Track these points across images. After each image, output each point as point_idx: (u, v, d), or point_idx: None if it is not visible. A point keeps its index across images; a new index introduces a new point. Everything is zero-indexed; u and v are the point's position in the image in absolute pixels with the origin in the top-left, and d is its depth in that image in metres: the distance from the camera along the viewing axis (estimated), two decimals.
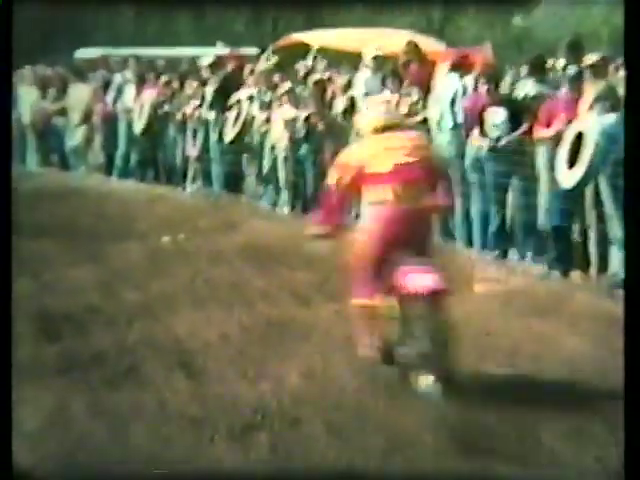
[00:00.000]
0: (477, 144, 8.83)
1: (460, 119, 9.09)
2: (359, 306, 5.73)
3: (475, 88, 9.02)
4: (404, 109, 9.66)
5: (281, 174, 11.27)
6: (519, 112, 8.56)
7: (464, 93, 9.16)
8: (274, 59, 12.70)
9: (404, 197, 5.45)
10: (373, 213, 5.60)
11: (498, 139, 8.59)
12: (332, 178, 5.73)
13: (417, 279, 5.36)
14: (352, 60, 11.87)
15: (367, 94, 10.18)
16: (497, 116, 8.62)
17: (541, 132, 8.24)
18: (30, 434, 4.72)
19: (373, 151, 5.59)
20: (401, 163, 5.48)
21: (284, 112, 11.09)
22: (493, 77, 8.89)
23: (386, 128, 5.68)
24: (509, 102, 8.71)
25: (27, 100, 15.68)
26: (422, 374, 5.29)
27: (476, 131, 8.85)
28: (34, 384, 5.35)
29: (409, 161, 5.51)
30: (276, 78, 11.85)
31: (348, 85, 10.78)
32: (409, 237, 5.50)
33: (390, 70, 10.14)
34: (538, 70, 8.93)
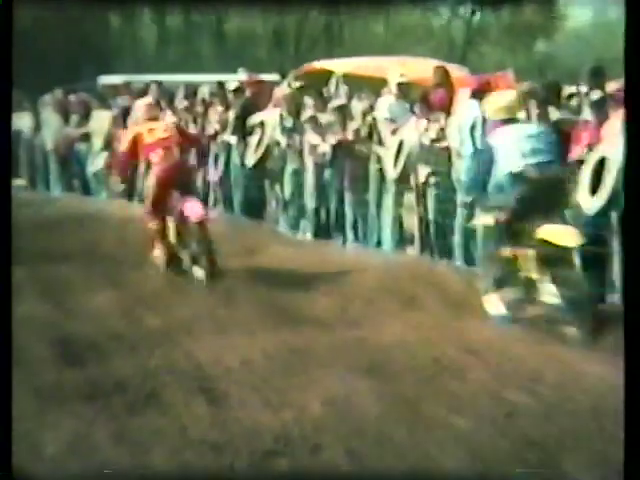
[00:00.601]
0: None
1: (480, 145, 9.06)
2: (152, 228, 9.14)
3: None
4: (432, 134, 9.69)
5: (305, 200, 11.29)
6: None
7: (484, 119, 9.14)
8: (296, 85, 12.75)
9: (166, 157, 8.99)
10: (153, 168, 9.07)
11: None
12: (122, 147, 9.59)
13: (190, 208, 8.83)
14: (374, 86, 11.90)
15: (392, 120, 10.20)
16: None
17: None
18: (52, 459, 4.72)
19: (143, 131, 9.20)
20: (161, 137, 9.09)
21: (309, 138, 11.12)
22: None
23: (151, 119, 9.41)
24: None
25: (50, 126, 15.82)
26: (195, 268, 8.89)
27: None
28: (57, 409, 5.36)
29: (165, 136, 9.11)
30: (299, 104, 11.87)
31: (369, 110, 10.79)
32: (176, 181, 8.99)
33: (418, 96, 10.14)
34: (554, 96, 8.89)
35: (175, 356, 6.44)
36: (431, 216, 9.81)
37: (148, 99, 10.49)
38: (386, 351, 6.50)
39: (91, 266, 9.45)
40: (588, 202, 7.64)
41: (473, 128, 9.11)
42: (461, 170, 9.25)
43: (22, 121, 16.61)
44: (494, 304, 7.56)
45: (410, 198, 10.07)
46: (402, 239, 10.15)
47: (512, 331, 7.05)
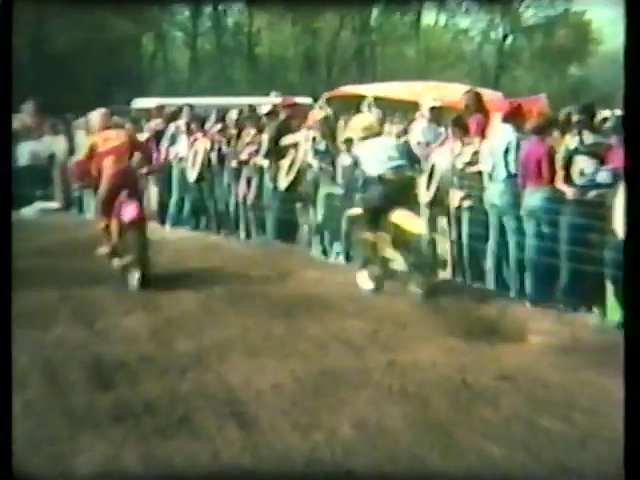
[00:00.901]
0: (531, 194, 8.75)
1: (513, 169, 9.03)
2: (100, 227, 9.89)
3: (539, 138, 8.88)
4: (465, 158, 9.67)
5: (337, 223, 11.27)
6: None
7: (518, 143, 9.10)
8: (328, 108, 12.77)
9: (116, 162, 9.66)
10: (105, 172, 9.66)
11: (583, 188, 8.42)
12: (80, 155, 10.32)
13: (126, 209, 9.51)
14: (405, 110, 11.90)
15: (427, 143, 10.19)
16: (586, 165, 8.46)
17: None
18: None
19: (99, 140, 9.83)
20: (114, 145, 9.73)
21: (343, 160, 11.11)
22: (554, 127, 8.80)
23: (105, 128, 10.06)
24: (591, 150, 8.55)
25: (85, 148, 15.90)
26: (132, 271, 9.60)
27: (530, 181, 8.77)
28: (88, 432, 5.36)
29: (117, 144, 9.75)
30: (331, 127, 11.88)
31: (402, 134, 10.79)
32: (123, 184, 9.65)
33: (451, 120, 10.12)
34: (588, 119, 8.84)
35: (206, 379, 6.43)
36: (464, 240, 9.76)
37: (101, 110, 10.66)
38: (418, 375, 6.46)
39: (123, 288, 9.48)
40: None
41: (507, 152, 9.09)
42: (494, 194, 9.23)
43: (57, 145, 16.75)
44: (363, 280, 9.37)
45: (442, 222, 10.04)
46: (435, 263, 10.10)
47: (546, 357, 6.99)
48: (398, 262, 9.04)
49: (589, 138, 8.64)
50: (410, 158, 9.37)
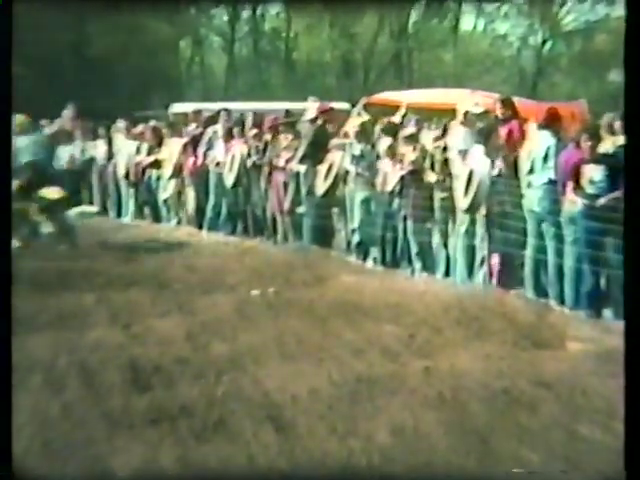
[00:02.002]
0: (571, 199, 8.70)
1: (553, 175, 8.98)
2: None
3: (577, 144, 8.83)
4: (503, 164, 9.63)
5: (374, 228, 11.26)
6: (618, 169, 8.40)
7: (557, 149, 9.05)
8: (365, 114, 12.75)
9: None
10: None
11: (596, 196, 8.43)
12: None
13: None
14: (442, 116, 11.85)
15: (462, 150, 10.14)
16: (595, 173, 8.49)
17: None
18: None
19: None
20: None
21: (384, 166, 11.10)
22: (594, 134, 8.73)
23: None
24: (607, 159, 8.52)
25: (123, 153, 16.03)
26: None
27: (569, 187, 8.72)
28: (125, 434, 5.37)
29: None
30: (369, 133, 11.85)
31: (440, 140, 10.75)
32: None
33: (489, 126, 10.07)
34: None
35: (242, 383, 6.42)
36: (501, 246, 9.70)
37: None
38: (455, 381, 6.42)
39: (159, 291, 9.51)
40: None
41: (546, 158, 9.03)
42: (533, 200, 9.18)
43: (96, 149, 16.87)
44: None
45: (480, 228, 9.98)
46: (473, 269, 10.05)
47: (585, 364, 6.93)
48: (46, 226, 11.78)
49: (603, 146, 8.61)
50: None
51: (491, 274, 9.85)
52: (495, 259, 9.74)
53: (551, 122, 9.38)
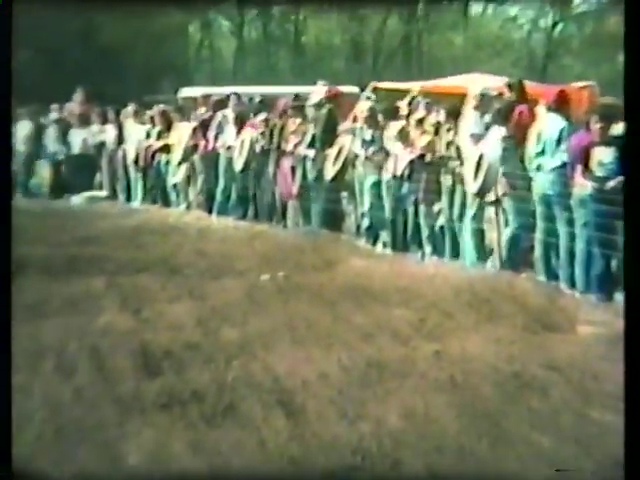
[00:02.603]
0: (580, 182, 8.67)
1: (566, 158, 8.94)
2: None
3: (587, 127, 8.79)
4: (513, 148, 9.60)
5: (384, 212, 11.25)
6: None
7: (568, 132, 9.01)
8: (374, 98, 12.72)
9: None
10: None
11: (605, 179, 8.40)
12: None
13: None
14: (452, 101, 11.80)
15: (474, 134, 10.10)
16: (605, 155, 8.45)
17: None
18: (133, 468, 4.74)
19: None
20: None
21: (395, 150, 11.06)
22: (606, 116, 8.67)
23: None
24: (617, 141, 8.46)
25: (132, 138, 16.04)
26: None
27: (579, 170, 8.69)
28: (136, 419, 5.39)
29: None
30: (378, 117, 11.81)
31: (450, 124, 10.71)
32: None
33: (497, 110, 10.03)
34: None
35: (252, 368, 6.42)
36: (511, 230, 9.68)
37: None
38: (465, 365, 6.41)
39: (169, 276, 9.51)
40: None
41: (559, 141, 9.00)
42: (544, 183, 9.14)
43: (106, 133, 16.89)
44: None
45: (490, 211, 9.96)
46: (482, 253, 10.03)
47: (596, 348, 6.92)
48: None
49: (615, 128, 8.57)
50: None
51: (501, 257, 9.83)
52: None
53: (561, 105, 9.34)
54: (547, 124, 9.27)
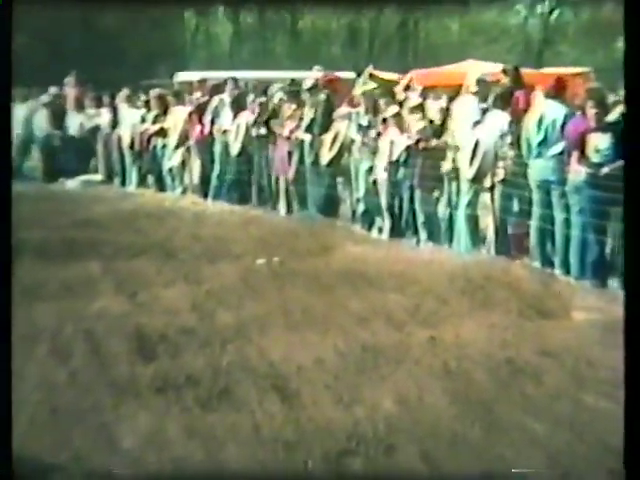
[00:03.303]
0: (575, 168, 8.67)
1: (563, 145, 8.94)
2: None
3: (583, 113, 8.79)
4: (509, 134, 9.60)
5: (379, 198, 11.24)
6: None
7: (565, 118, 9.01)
8: (371, 83, 12.69)
9: None
10: None
11: (601, 165, 8.41)
12: None
13: None
14: (448, 89, 11.79)
15: (472, 120, 10.08)
16: (601, 141, 8.45)
17: None
18: (128, 451, 4.76)
19: None
20: None
21: (390, 135, 11.05)
22: (600, 102, 8.67)
23: None
24: (613, 127, 8.45)
25: (128, 122, 16.01)
26: None
27: (575, 156, 8.69)
28: (131, 403, 5.40)
29: None
30: (374, 102, 11.79)
31: (445, 110, 10.71)
32: None
33: (496, 95, 10.01)
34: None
35: (247, 352, 6.44)
36: (506, 216, 9.69)
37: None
38: (459, 351, 6.43)
39: (165, 260, 9.51)
40: None
41: (562, 127, 8.99)
42: (542, 170, 9.14)
43: (101, 117, 16.86)
44: None
45: (485, 198, 9.97)
46: (477, 239, 10.04)
47: (590, 334, 6.94)
48: None
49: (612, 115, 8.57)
50: None
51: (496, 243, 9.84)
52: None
53: (559, 91, 9.33)
54: (548, 111, 9.25)
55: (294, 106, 12.89)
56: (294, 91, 13.25)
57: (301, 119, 12.63)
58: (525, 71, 11.19)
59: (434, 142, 10.52)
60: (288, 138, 12.78)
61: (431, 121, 10.82)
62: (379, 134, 11.31)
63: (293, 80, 13.88)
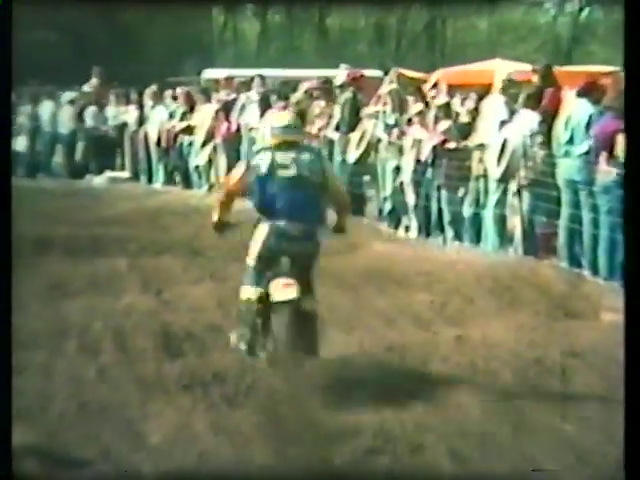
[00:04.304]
0: (605, 168, 8.61)
1: (592, 144, 8.88)
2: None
3: (612, 113, 8.72)
4: (538, 134, 9.54)
5: (406, 197, 11.21)
6: None
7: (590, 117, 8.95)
8: (397, 82, 12.66)
9: None
10: None
11: None
12: None
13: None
14: (476, 88, 11.73)
15: (500, 119, 10.03)
16: None
17: None
18: (155, 448, 4.76)
19: None
20: None
21: (415, 133, 11.03)
22: None
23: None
24: None
25: (155, 119, 16.04)
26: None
27: (603, 157, 8.63)
28: (158, 399, 5.40)
29: None
30: (401, 101, 11.77)
31: (473, 109, 10.68)
32: None
33: (527, 95, 9.95)
34: None
35: None
36: (534, 216, 9.64)
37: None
38: (487, 350, 6.40)
39: (191, 258, 9.52)
40: None
41: (587, 127, 8.93)
42: (570, 170, 9.09)
43: (128, 114, 16.89)
44: None
45: (513, 197, 9.91)
46: (504, 238, 9.99)
47: (619, 334, 6.88)
48: None
49: None
50: None
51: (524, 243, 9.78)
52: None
53: (589, 90, 9.25)
54: (575, 110, 9.20)
55: (323, 104, 12.88)
56: (324, 89, 13.24)
57: (330, 117, 12.61)
58: (555, 70, 11.11)
59: (461, 143, 10.48)
60: (317, 136, 12.76)
61: (457, 120, 10.78)
62: (404, 133, 11.28)
63: (321, 78, 13.84)
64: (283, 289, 6.00)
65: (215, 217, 6.50)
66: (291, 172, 6.07)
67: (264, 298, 6.09)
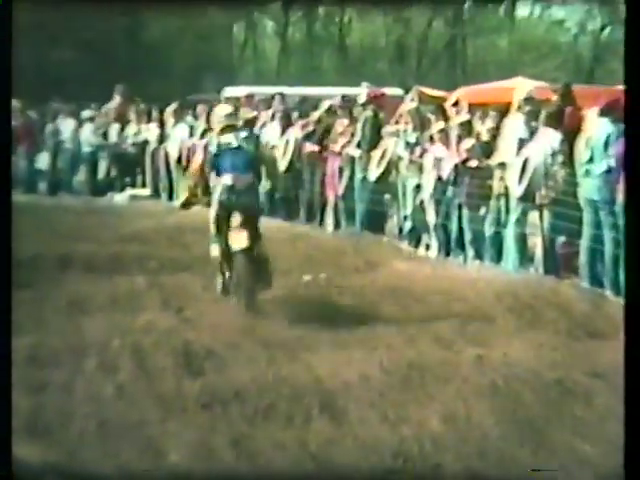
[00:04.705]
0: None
1: (613, 163, 8.84)
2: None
3: None
4: (559, 153, 9.51)
5: (427, 215, 11.20)
6: None
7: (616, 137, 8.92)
8: (418, 101, 12.67)
9: None
10: None
11: None
12: None
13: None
14: (497, 107, 11.72)
15: (521, 138, 10.00)
16: None
17: None
18: (174, 466, 4.75)
19: None
20: None
21: (436, 151, 11.03)
22: None
23: None
24: None
25: (176, 136, 16.09)
26: None
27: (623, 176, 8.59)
28: (178, 417, 5.40)
29: None
30: (422, 119, 11.78)
31: (494, 128, 10.67)
32: None
33: (548, 114, 9.93)
34: None
35: (293, 369, 6.41)
36: (555, 235, 9.60)
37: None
38: (507, 370, 6.36)
39: (211, 276, 9.52)
40: None
41: (606, 146, 8.90)
42: (591, 189, 9.06)
43: (149, 132, 16.96)
44: None
45: (534, 216, 9.89)
46: (525, 257, 9.96)
47: None
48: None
49: None
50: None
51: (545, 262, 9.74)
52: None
53: (611, 109, 9.23)
54: (596, 129, 9.18)
55: (346, 122, 12.91)
56: (347, 107, 13.26)
57: (352, 135, 12.64)
58: (576, 88, 11.09)
59: (484, 161, 10.46)
60: (339, 154, 12.79)
61: (478, 138, 10.77)
62: (424, 151, 11.29)
63: (344, 96, 13.86)
64: (238, 240, 8.04)
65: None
66: (233, 144, 8.24)
67: (225, 251, 8.23)
